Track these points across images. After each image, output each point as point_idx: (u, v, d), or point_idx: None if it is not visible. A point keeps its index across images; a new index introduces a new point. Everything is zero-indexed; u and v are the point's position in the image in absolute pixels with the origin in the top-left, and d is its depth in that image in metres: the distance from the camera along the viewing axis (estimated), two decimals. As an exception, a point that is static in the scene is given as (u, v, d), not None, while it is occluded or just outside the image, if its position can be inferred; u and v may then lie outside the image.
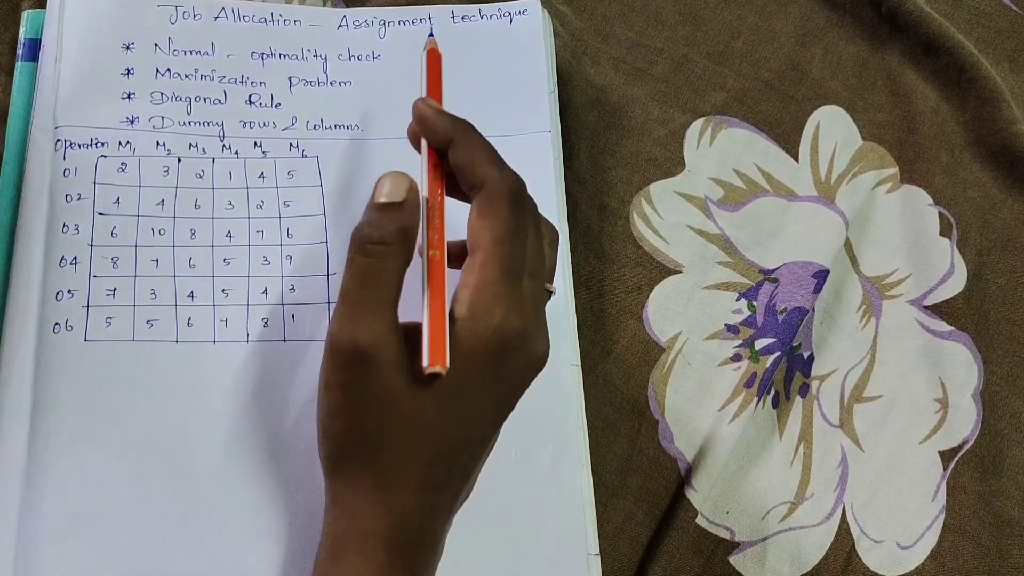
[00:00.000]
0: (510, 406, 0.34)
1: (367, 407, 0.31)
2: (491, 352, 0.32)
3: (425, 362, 0.30)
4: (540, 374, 0.34)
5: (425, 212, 0.34)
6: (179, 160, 0.43)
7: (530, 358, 0.33)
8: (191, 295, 0.41)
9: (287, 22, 0.47)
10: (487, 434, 0.34)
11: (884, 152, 0.54)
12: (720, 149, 0.52)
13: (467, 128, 0.35)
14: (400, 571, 0.32)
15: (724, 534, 0.45)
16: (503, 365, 0.32)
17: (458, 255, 0.35)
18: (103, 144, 0.43)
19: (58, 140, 0.42)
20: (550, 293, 0.36)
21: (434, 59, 0.38)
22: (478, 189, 0.33)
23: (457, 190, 0.35)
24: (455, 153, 0.34)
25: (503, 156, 0.35)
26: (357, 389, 0.31)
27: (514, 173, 0.34)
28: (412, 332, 0.32)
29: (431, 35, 0.40)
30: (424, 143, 0.35)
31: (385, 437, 0.31)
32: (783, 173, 0.52)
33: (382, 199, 0.33)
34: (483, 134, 0.35)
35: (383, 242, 0.32)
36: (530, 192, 0.35)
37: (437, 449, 0.32)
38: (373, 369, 0.31)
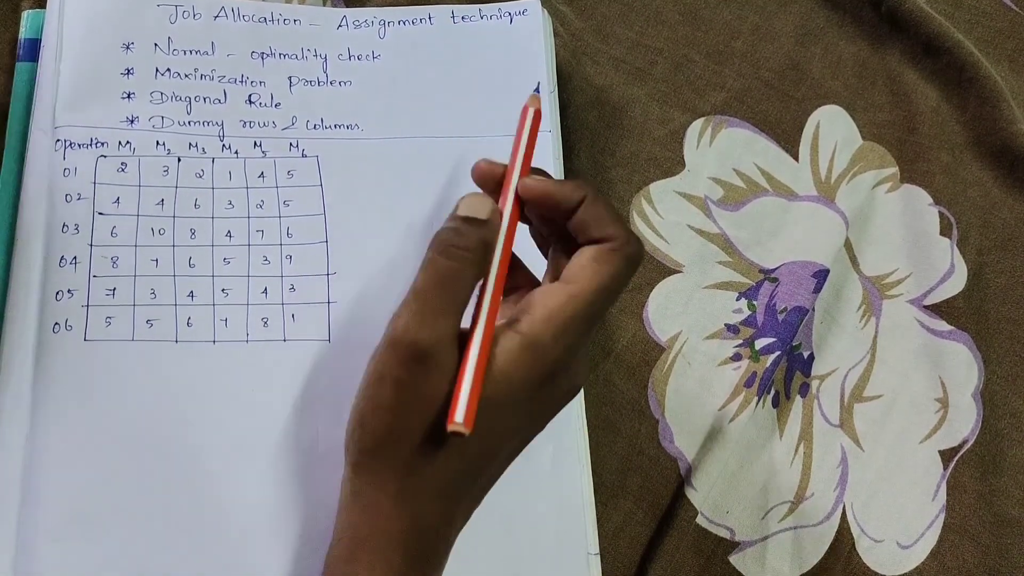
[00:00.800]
0: (542, 426, 0.34)
1: (414, 407, 0.31)
2: (545, 377, 0.32)
3: (459, 418, 0.29)
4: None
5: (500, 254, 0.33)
6: (179, 160, 0.43)
7: (572, 387, 0.34)
8: (191, 295, 0.41)
9: (287, 22, 0.47)
10: (515, 451, 0.34)
11: (884, 152, 0.54)
12: (720, 149, 0.52)
13: (594, 187, 0.35)
14: None
15: (724, 533, 0.45)
16: (547, 391, 0.33)
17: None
18: (103, 144, 0.43)
19: (58, 140, 0.42)
20: None
21: (537, 121, 0.37)
22: (602, 242, 0.34)
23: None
24: (587, 208, 0.34)
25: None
26: (410, 388, 0.31)
27: (639, 239, 0.34)
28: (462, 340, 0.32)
29: (537, 91, 0.38)
30: (510, 197, 0.35)
31: (424, 441, 0.31)
32: (783, 173, 0.52)
33: (466, 213, 0.33)
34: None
35: (467, 248, 0.32)
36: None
37: (469, 461, 0.32)
38: (430, 372, 0.31)
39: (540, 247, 0.38)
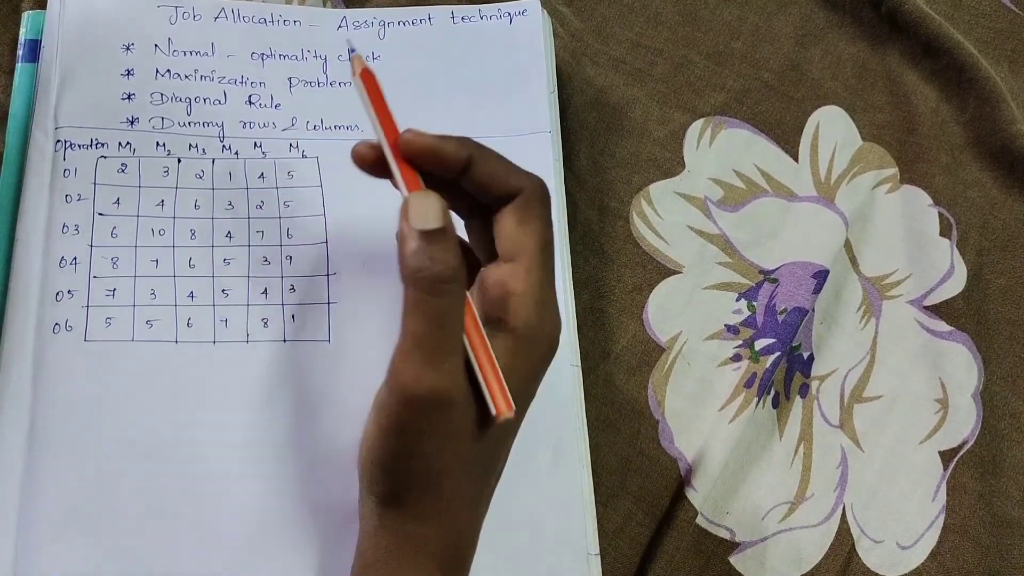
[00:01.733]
0: (533, 395, 0.34)
1: (439, 448, 0.30)
2: (546, 361, 0.32)
3: (497, 411, 0.30)
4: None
5: None
6: (179, 160, 0.43)
7: (554, 347, 0.34)
8: (191, 295, 0.41)
9: (287, 22, 0.47)
10: (517, 431, 0.34)
11: (884, 152, 0.54)
12: (720, 149, 0.52)
13: (478, 143, 0.33)
14: None
15: (724, 534, 0.45)
16: (544, 364, 0.33)
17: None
18: (103, 144, 0.43)
19: (58, 141, 0.42)
20: None
21: (371, 80, 0.34)
22: (511, 198, 0.33)
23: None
24: (477, 169, 0.32)
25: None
26: (431, 434, 0.30)
27: (537, 176, 0.33)
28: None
29: (352, 50, 0.35)
30: (396, 168, 0.33)
31: (451, 471, 0.31)
32: (783, 173, 0.52)
33: (421, 225, 0.30)
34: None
35: (451, 280, 0.30)
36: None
37: (493, 468, 0.33)
38: (450, 414, 0.30)
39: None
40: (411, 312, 0.29)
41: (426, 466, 0.31)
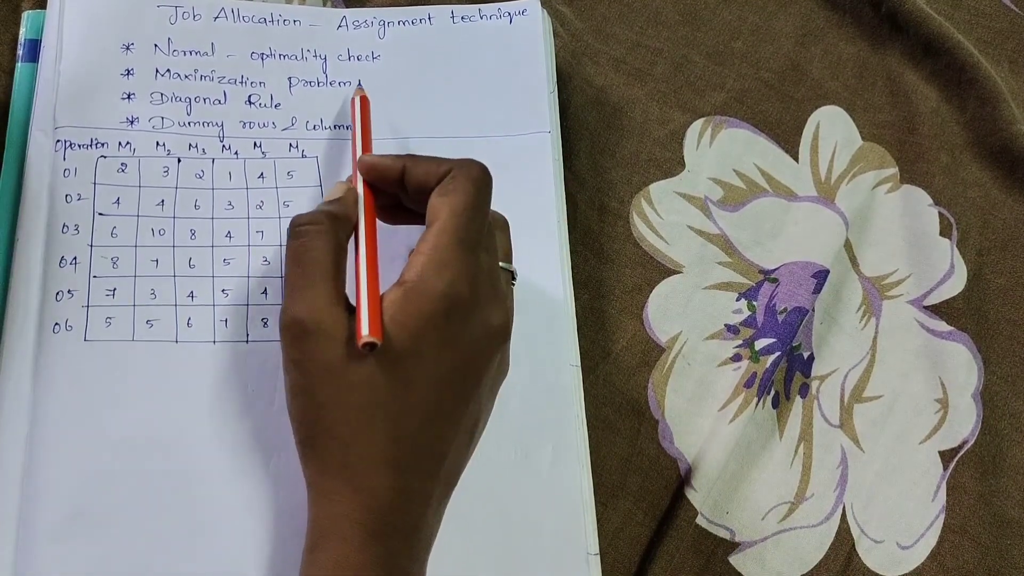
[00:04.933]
0: (470, 378, 0.34)
1: (319, 381, 0.32)
2: (438, 315, 0.32)
3: (364, 331, 0.31)
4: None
5: (363, 210, 0.37)
6: (179, 160, 0.43)
7: (486, 328, 0.34)
8: (191, 295, 0.41)
9: (287, 22, 0.47)
10: (450, 407, 0.34)
11: (884, 152, 0.54)
12: (720, 149, 0.52)
13: (414, 155, 0.37)
14: (376, 556, 0.32)
15: (724, 534, 0.45)
16: (453, 331, 0.33)
17: None
18: (103, 144, 0.43)
19: (58, 140, 0.42)
20: (512, 274, 0.38)
21: (366, 108, 0.42)
22: (442, 179, 0.35)
23: (408, 215, 0.38)
24: (411, 172, 0.36)
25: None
26: (308, 364, 0.32)
27: (478, 162, 0.36)
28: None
29: (360, 84, 0.43)
30: (359, 179, 0.38)
31: (340, 411, 0.32)
32: (783, 173, 0.52)
33: (326, 197, 0.37)
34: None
35: (310, 223, 0.34)
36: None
37: (395, 421, 0.32)
38: (319, 341, 0.32)
39: None
40: (285, 258, 0.34)
41: (314, 402, 0.33)
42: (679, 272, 0.49)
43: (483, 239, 0.35)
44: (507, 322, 0.35)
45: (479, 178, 0.35)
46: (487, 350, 0.34)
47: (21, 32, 0.45)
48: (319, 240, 0.34)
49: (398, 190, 0.37)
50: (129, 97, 0.44)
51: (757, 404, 0.46)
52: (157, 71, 0.45)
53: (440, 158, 0.36)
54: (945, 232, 0.53)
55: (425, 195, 0.36)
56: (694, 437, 0.46)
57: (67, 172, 0.42)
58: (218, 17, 0.46)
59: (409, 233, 0.39)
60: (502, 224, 0.39)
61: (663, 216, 0.50)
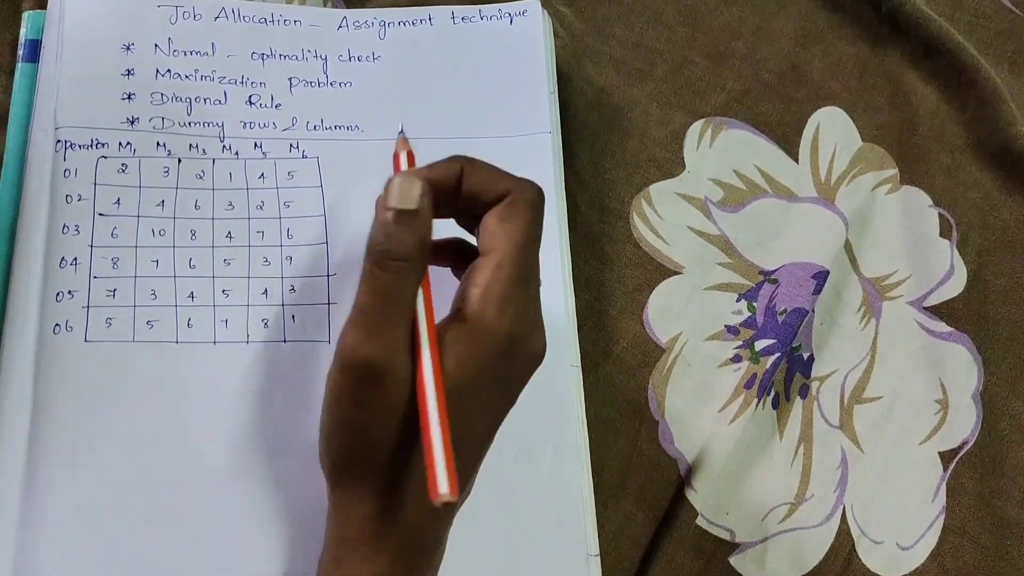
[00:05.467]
0: (509, 403, 0.34)
1: (376, 420, 0.31)
2: (498, 355, 0.32)
3: (444, 489, 0.28)
4: (540, 374, 0.34)
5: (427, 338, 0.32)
6: (179, 161, 0.43)
7: (530, 356, 0.34)
8: (191, 296, 0.41)
9: (287, 22, 0.47)
10: (487, 433, 0.34)
11: (884, 153, 0.54)
12: (720, 150, 0.52)
13: (468, 157, 0.34)
14: (402, 574, 0.32)
15: (724, 535, 0.45)
16: (506, 366, 0.33)
17: (440, 253, 0.36)
18: (103, 145, 0.43)
19: (58, 141, 0.42)
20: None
21: (413, 165, 0.36)
22: (499, 200, 0.33)
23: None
24: (469, 179, 0.33)
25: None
26: (368, 404, 0.31)
27: (533, 182, 0.34)
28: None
29: (402, 132, 0.38)
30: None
31: (390, 447, 0.31)
32: (783, 174, 0.52)
33: (396, 205, 0.31)
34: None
35: (404, 258, 0.31)
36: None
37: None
38: (388, 386, 0.30)
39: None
40: (361, 283, 0.31)
41: (365, 439, 0.31)
42: (679, 273, 0.49)
43: (536, 268, 0.34)
44: (545, 345, 0.34)
45: (537, 203, 0.34)
46: (527, 376, 0.34)
47: (22, 32, 0.45)
48: (411, 279, 0.31)
49: (449, 199, 0.34)
50: (129, 97, 0.44)
51: (757, 405, 0.46)
52: (157, 71, 0.45)
53: (496, 170, 0.34)
54: (945, 233, 0.53)
55: (473, 204, 0.34)
56: (694, 438, 0.46)
57: (67, 172, 0.42)
58: (218, 17, 0.46)
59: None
60: None
61: (663, 217, 0.50)
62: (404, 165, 0.36)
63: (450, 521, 0.34)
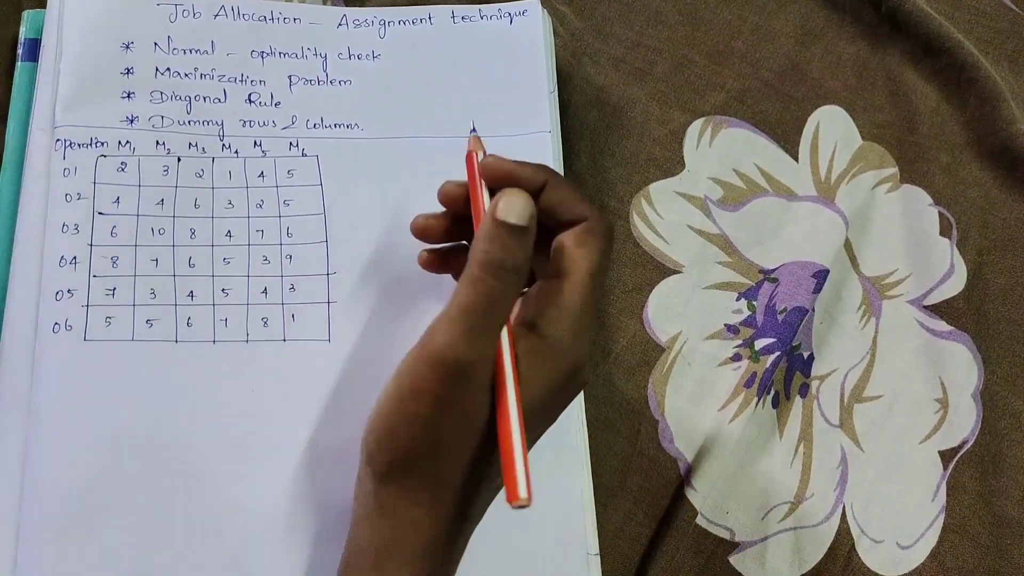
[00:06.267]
0: (551, 423, 0.35)
1: (450, 420, 0.31)
2: (568, 377, 0.33)
3: (523, 493, 0.29)
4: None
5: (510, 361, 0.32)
6: (179, 159, 0.43)
7: (581, 384, 0.35)
8: (191, 294, 0.41)
9: (287, 20, 0.47)
10: (533, 440, 0.35)
11: (884, 152, 0.54)
12: (720, 149, 0.52)
13: (553, 171, 0.35)
14: None
15: (724, 534, 0.45)
16: (565, 389, 0.33)
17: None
18: (103, 143, 0.43)
19: (58, 139, 0.42)
20: None
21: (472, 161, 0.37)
22: (575, 223, 0.34)
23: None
24: (551, 193, 0.34)
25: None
26: (449, 402, 0.31)
27: (606, 214, 0.35)
28: None
29: (474, 129, 0.39)
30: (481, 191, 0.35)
31: (457, 450, 0.31)
32: (783, 173, 0.52)
33: (511, 219, 0.32)
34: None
35: (515, 270, 0.32)
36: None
37: (499, 462, 0.32)
38: (471, 388, 0.31)
39: None
40: (467, 286, 0.31)
41: (434, 437, 0.31)
42: (679, 272, 0.49)
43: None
44: (587, 360, 0.35)
45: (612, 235, 0.35)
46: (570, 401, 0.35)
47: (21, 31, 0.45)
48: (515, 291, 0.32)
49: None
50: (129, 96, 0.44)
51: (757, 404, 0.46)
52: (157, 69, 0.45)
53: (577, 192, 0.35)
54: (945, 232, 0.53)
55: (548, 218, 0.34)
56: (694, 437, 0.46)
57: (67, 171, 0.42)
58: (218, 15, 0.46)
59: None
60: None
61: (663, 216, 0.50)
62: (479, 163, 0.36)
63: (477, 523, 0.35)
